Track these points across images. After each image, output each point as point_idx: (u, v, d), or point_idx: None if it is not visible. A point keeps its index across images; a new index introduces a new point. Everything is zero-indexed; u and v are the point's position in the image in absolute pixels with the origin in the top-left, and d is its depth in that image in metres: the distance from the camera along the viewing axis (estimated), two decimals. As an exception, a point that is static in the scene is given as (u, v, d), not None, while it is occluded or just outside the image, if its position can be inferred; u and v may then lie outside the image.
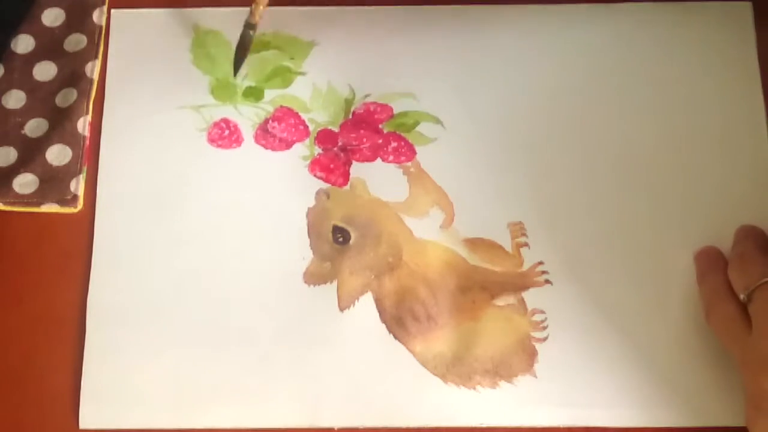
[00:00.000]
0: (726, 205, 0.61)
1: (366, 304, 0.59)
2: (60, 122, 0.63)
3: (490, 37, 0.65)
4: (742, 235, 0.59)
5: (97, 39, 0.65)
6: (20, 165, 0.62)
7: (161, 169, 0.62)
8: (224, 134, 0.63)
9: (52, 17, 0.66)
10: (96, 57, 0.65)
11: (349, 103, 0.64)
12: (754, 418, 0.52)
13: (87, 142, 0.63)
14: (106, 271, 0.60)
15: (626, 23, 0.65)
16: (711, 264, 0.58)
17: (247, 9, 0.65)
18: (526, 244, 0.60)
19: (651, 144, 0.62)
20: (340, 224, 0.61)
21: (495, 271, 0.60)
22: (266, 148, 0.63)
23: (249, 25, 0.62)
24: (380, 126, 0.63)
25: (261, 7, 0.61)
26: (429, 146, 0.63)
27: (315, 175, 0.62)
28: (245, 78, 0.64)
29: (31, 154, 0.62)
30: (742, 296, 0.55)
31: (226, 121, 0.64)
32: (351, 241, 0.61)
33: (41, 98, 0.64)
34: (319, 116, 0.64)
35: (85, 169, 0.62)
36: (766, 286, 0.54)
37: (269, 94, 0.64)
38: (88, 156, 0.63)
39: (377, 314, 0.59)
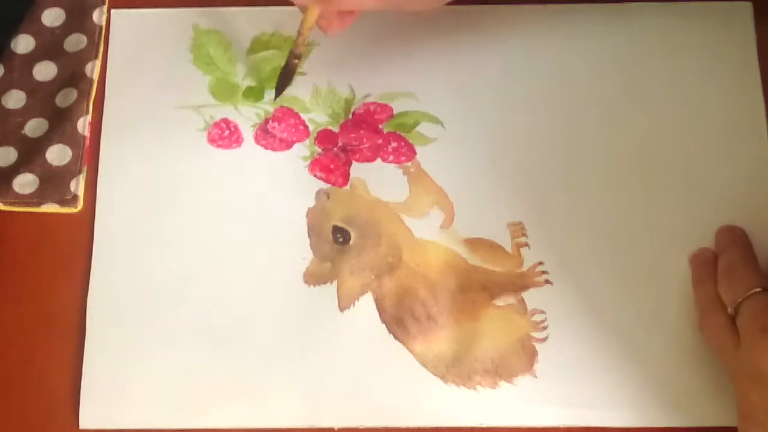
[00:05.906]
0: (726, 205, 0.60)
1: (366, 305, 0.59)
2: (60, 122, 0.63)
3: (490, 38, 0.65)
4: (727, 242, 0.58)
5: (97, 39, 0.65)
6: (20, 165, 0.62)
7: (161, 169, 0.62)
8: (224, 134, 0.63)
9: (52, 17, 0.66)
10: (96, 57, 0.65)
11: (349, 103, 0.64)
12: (745, 428, 0.52)
13: (87, 142, 0.63)
14: (106, 271, 0.60)
15: (626, 23, 0.65)
16: (705, 270, 0.58)
17: (247, 9, 0.65)
18: (526, 244, 0.60)
19: (651, 144, 0.62)
20: (340, 224, 0.61)
21: (495, 271, 0.60)
22: (266, 148, 0.63)
23: (294, 55, 0.61)
24: (380, 126, 0.63)
25: (305, 37, 0.60)
26: (429, 146, 0.63)
27: (315, 176, 0.62)
28: (245, 78, 0.65)
29: (31, 154, 0.62)
30: (730, 310, 0.55)
31: (226, 121, 0.64)
32: (351, 242, 0.61)
33: (41, 98, 0.64)
34: (319, 116, 0.64)
35: (85, 169, 0.62)
36: (751, 298, 0.54)
37: (269, 94, 0.64)
38: (88, 156, 0.63)
39: (377, 314, 0.59)
